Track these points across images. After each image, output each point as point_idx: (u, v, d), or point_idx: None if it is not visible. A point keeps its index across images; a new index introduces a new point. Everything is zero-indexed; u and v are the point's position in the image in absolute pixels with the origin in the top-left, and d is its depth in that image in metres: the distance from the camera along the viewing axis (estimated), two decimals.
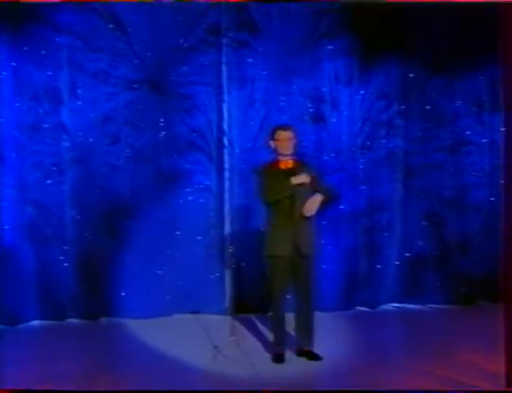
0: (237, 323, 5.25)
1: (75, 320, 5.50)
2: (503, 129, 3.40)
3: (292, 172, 4.20)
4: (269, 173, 4.23)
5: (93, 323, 5.44)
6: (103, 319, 5.51)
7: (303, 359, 4.36)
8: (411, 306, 5.88)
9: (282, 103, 5.75)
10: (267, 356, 4.38)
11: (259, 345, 4.70)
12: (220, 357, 4.37)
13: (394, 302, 5.99)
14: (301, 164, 4.34)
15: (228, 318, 5.33)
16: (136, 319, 5.43)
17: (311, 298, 4.36)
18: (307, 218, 4.22)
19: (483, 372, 3.92)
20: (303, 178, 4.12)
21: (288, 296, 4.42)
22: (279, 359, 4.32)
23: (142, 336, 5.00)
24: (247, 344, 4.77)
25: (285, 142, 4.22)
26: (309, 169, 4.31)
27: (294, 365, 4.28)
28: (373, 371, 4.08)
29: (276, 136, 4.26)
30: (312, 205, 4.15)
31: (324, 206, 4.25)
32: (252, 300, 5.57)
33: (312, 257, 4.33)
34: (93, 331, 5.25)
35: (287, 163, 4.27)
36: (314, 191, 4.22)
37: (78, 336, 5.14)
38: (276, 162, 4.32)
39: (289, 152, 4.25)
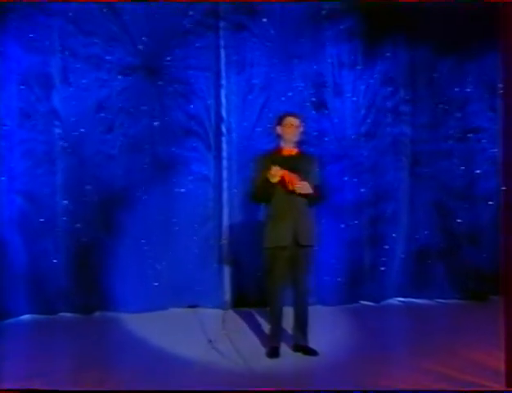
0: (230, 317, 5.24)
1: (68, 314, 5.47)
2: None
3: (294, 160, 4.20)
4: (265, 165, 4.16)
5: (86, 318, 5.41)
6: (97, 313, 5.50)
7: (299, 355, 4.33)
8: (418, 301, 5.83)
9: (282, 89, 5.70)
10: (263, 351, 4.32)
11: (255, 340, 4.68)
12: (213, 351, 4.31)
13: (400, 296, 5.94)
14: (305, 154, 4.36)
15: (226, 311, 5.28)
16: (131, 313, 5.41)
17: (306, 291, 4.36)
18: (307, 208, 4.23)
19: (490, 371, 3.80)
20: (299, 186, 4.07)
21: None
22: (273, 353, 4.31)
23: (137, 330, 4.97)
24: (243, 338, 4.73)
25: (293, 128, 4.24)
26: (312, 161, 4.32)
27: (289, 360, 4.25)
28: (371, 368, 4.02)
29: (285, 121, 4.27)
30: (305, 186, 4.13)
31: (309, 201, 4.24)
32: (252, 294, 5.54)
33: (311, 248, 4.31)
34: (86, 325, 5.21)
35: (291, 150, 4.27)
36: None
37: (70, 331, 5.10)
38: (279, 149, 4.31)
39: (295, 139, 4.27)
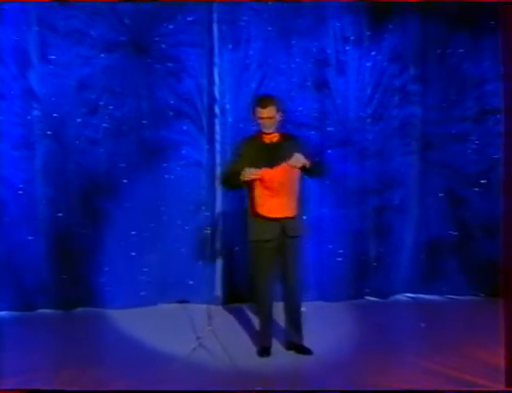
0: (219, 313, 5.19)
1: (48, 310, 5.38)
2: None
3: (276, 147, 4.12)
4: (245, 151, 4.15)
5: (68, 314, 5.34)
6: (79, 310, 5.42)
7: (292, 354, 4.28)
8: (428, 297, 5.73)
9: (281, 67, 5.57)
10: (253, 349, 4.28)
11: (246, 337, 4.63)
12: (201, 349, 4.27)
13: (408, 292, 5.87)
14: (288, 138, 4.24)
15: (212, 307, 5.15)
16: (116, 309, 5.35)
17: (297, 285, 4.29)
18: (294, 197, 4.14)
19: (499, 372, 3.64)
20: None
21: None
22: (264, 352, 4.28)
23: (123, 327, 4.91)
24: (232, 335, 4.68)
25: (264, 121, 4.14)
26: (297, 144, 4.22)
27: (280, 360, 4.19)
28: (373, 369, 3.91)
29: (256, 113, 4.17)
30: (298, 159, 4.01)
31: (309, 173, 4.17)
32: (245, 288, 5.40)
33: (299, 239, 4.26)
34: (68, 322, 5.15)
35: (272, 137, 4.19)
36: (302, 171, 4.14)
37: (50, 329, 5.03)
38: (259, 135, 4.25)
39: (270, 131, 4.17)
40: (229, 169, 4.28)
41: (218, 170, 5.45)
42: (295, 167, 4.03)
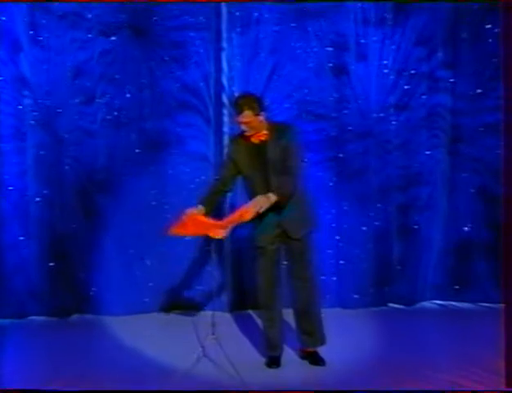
0: (225, 320, 5.06)
1: (40, 318, 5.25)
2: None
3: (264, 148, 3.95)
4: (235, 151, 4.04)
5: (62, 321, 5.23)
6: (75, 317, 5.31)
7: (305, 363, 4.17)
8: (458, 304, 5.53)
9: (295, 52, 5.41)
10: (262, 359, 4.16)
11: (254, 347, 4.47)
12: (205, 360, 4.14)
13: (436, 299, 5.70)
14: (279, 131, 4.00)
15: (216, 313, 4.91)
16: (114, 316, 5.22)
17: (312, 286, 4.15)
18: (295, 196, 4.00)
19: None
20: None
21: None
22: (273, 363, 4.17)
23: (122, 336, 4.80)
24: (239, 344, 4.57)
25: (243, 125, 3.96)
26: (286, 138, 3.98)
27: (290, 371, 4.07)
28: (393, 383, 3.67)
29: (234, 115, 4.05)
30: (260, 202, 3.78)
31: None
32: (255, 294, 4.88)
33: (307, 238, 4.11)
34: (62, 330, 5.04)
35: (260, 135, 3.99)
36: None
37: (43, 337, 4.89)
38: (249, 135, 4.05)
39: (253, 133, 3.95)
40: (218, 180, 4.16)
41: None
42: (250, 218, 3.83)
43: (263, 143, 4.02)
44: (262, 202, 3.82)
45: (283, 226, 4.05)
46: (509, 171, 3.19)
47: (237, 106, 3.97)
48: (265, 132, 4.00)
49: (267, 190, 3.92)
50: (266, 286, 4.17)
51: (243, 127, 3.98)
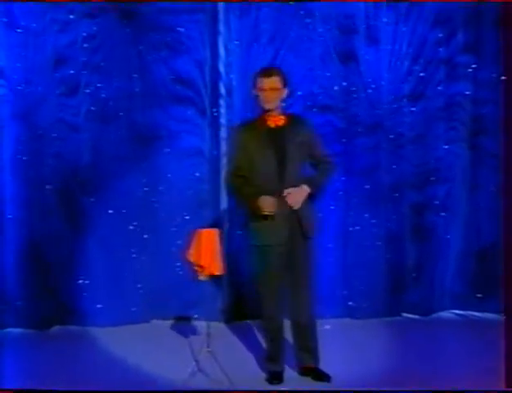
0: (221, 331, 4.93)
1: (16, 330, 5.00)
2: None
3: (283, 133, 3.81)
4: (246, 140, 3.84)
5: (41, 334, 4.97)
6: (56, 328, 5.08)
7: (308, 380, 3.99)
8: (480, 315, 5.32)
9: (299, 36, 5.20)
10: (262, 375, 4.00)
11: (254, 361, 4.30)
12: (200, 374, 3.99)
13: (455, 308, 5.51)
14: (297, 121, 3.93)
15: (212, 324, 4.79)
16: (101, 327, 5.01)
17: (311, 297, 3.96)
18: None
19: None
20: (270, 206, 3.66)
21: None
22: (275, 378, 3.99)
23: (110, 348, 4.60)
24: (236, 358, 4.38)
25: (267, 92, 3.79)
26: (306, 129, 3.91)
27: (294, 388, 3.90)
28: None
29: (257, 83, 3.85)
30: (297, 196, 3.78)
31: (313, 197, 3.90)
32: (254, 303, 4.77)
33: (311, 241, 3.94)
34: (41, 343, 4.82)
35: (277, 119, 3.85)
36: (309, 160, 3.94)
37: (20, 351, 4.66)
38: (262, 118, 3.90)
39: (273, 107, 3.83)
40: (234, 170, 3.92)
41: (224, 163, 5.02)
42: (295, 205, 3.76)
43: (280, 129, 3.85)
44: (300, 194, 3.74)
45: (294, 224, 3.83)
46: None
47: (265, 70, 3.85)
48: (282, 117, 3.86)
49: (280, 177, 3.78)
50: (270, 293, 3.95)
51: (265, 95, 3.76)
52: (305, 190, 3.82)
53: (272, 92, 3.78)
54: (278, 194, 3.74)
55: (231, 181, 3.97)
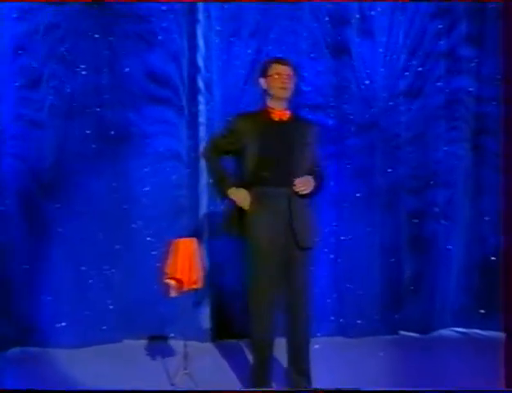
0: (201, 351, 4.62)
1: None
2: None
3: (287, 128, 3.72)
4: (244, 130, 3.67)
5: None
6: (15, 350, 4.70)
7: None
8: (484, 333, 5.18)
9: (285, 27, 4.97)
10: None
11: (237, 383, 4.11)
12: None
13: (457, 326, 5.34)
14: (301, 120, 3.88)
15: (203, 344, 4.70)
16: (67, 349, 4.68)
17: (306, 313, 3.78)
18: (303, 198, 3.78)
19: None
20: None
21: None
22: None
23: (76, 372, 4.26)
24: (220, 380, 4.16)
25: (282, 78, 3.70)
26: (311, 130, 3.83)
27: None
28: None
29: (271, 70, 3.73)
30: (307, 183, 3.69)
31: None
32: (241, 319, 4.74)
33: (310, 252, 3.79)
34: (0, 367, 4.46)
35: (282, 113, 3.74)
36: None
37: None
38: (266, 111, 3.77)
39: (287, 95, 3.74)
40: (212, 146, 3.79)
41: (203, 165, 4.63)
42: (304, 190, 3.67)
43: (284, 123, 3.76)
44: (309, 183, 3.66)
45: (292, 230, 3.69)
46: None
47: (279, 58, 3.78)
48: (288, 112, 3.77)
49: (278, 171, 3.67)
50: (263, 308, 3.76)
51: (282, 81, 3.66)
52: (312, 181, 3.73)
53: (290, 78, 3.71)
54: (277, 185, 3.63)
55: (207, 159, 3.84)
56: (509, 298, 3.07)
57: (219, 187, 3.75)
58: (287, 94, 3.75)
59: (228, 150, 3.73)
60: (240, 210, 3.67)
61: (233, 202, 3.66)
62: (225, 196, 3.71)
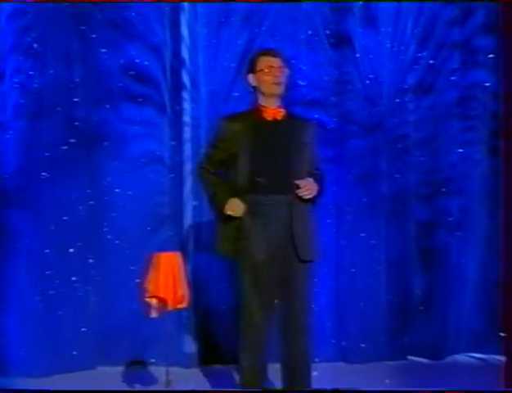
0: (184, 377, 4.40)
1: None
2: None
3: (281, 128, 3.50)
4: (234, 134, 3.46)
5: None
6: None
7: None
8: (504, 359, 4.66)
9: (279, 17, 4.76)
10: None
11: None
12: None
13: (473, 351, 5.07)
14: (297, 118, 3.64)
15: (187, 370, 4.49)
16: (36, 378, 4.35)
17: (306, 334, 3.54)
18: (303, 200, 3.50)
19: None
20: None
21: None
22: None
23: None
24: None
25: (273, 71, 3.47)
26: (308, 128, 3.62)
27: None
28: None
29: (260, 64, 3.50)
30: (311, 185, 3.46)
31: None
32: (228, 343, 4.64)
33: (311, 265, 3.55)
34: None
35: (275, 112, 3.51)
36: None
37: None
38: (257, 110, 3.54)
39: (280, 91, 3.51)
40: (206, 164, 3.56)
41: (188, 170, 4.56)
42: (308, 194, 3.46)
43: (278, 123, 3.56)
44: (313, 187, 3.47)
45: (291, 241, 3.48)
46: None
47: (269, 49, 3.58)
48: (282, 110, 3.55)
49: (276, 176, 3.47)
50: (256, 330, 3.51)
51: (273, 75, 3.46)
52: (316, 184, 3.53)
53: (282, 72, 3.49)
54: (276, 192, 3.43)
55: (200, 175, 3.64)
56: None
57: (217, 201, 3.54)
58: (280, 90, 3.55)
59: (224, 159, 3.52)
60: (237, 227, 3.47)
61: (229, 218, 3.45)
62: (223, 211, 3.51)
